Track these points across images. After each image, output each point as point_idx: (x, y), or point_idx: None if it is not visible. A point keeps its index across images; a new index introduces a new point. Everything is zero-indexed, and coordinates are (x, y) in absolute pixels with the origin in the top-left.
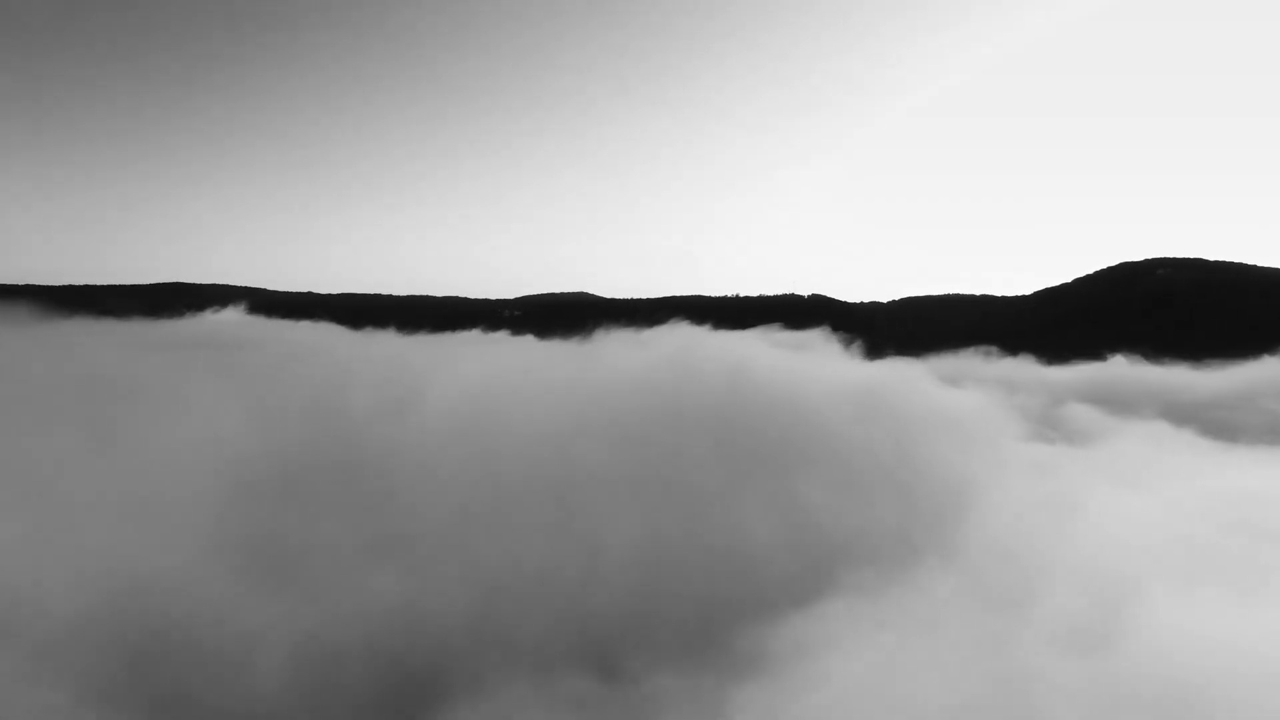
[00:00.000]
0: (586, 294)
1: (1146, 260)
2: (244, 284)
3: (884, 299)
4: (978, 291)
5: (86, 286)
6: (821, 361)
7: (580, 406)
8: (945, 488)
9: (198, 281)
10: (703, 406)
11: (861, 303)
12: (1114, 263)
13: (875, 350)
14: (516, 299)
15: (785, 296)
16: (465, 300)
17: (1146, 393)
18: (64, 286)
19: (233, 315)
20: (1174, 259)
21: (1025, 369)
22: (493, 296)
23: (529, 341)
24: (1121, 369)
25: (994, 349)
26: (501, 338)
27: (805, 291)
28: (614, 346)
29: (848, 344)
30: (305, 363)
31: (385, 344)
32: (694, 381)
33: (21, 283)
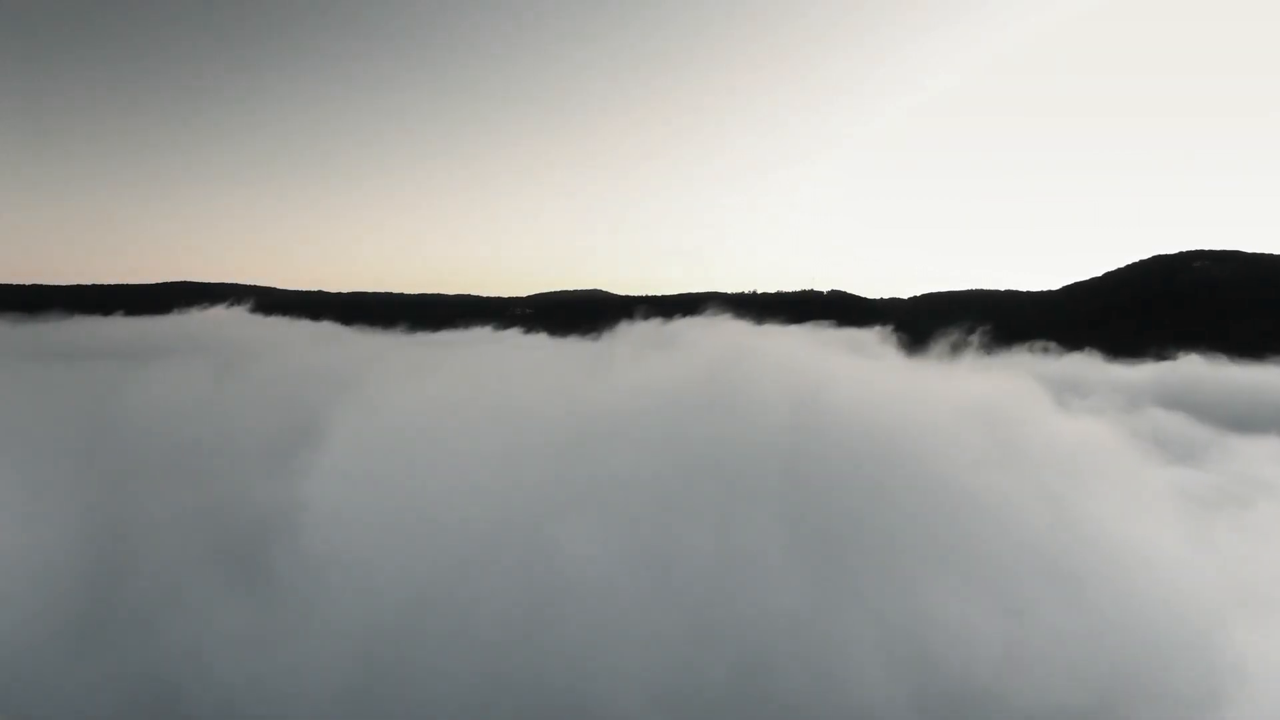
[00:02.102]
0: (600, 291)
1: (1182, 253)
2: (253, 282)
3: (903, 295)
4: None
5: (82, 286)
6: (903, 371)
7: (573, 447)
8: (1154, 582)
9: (207, 280)
10: (763, 452)
11: (881, 299)
12: (1145, 256)
13: (928, 350)
14: (529, 296)
15: (804, 293)
16: (476, 298)
17: (1228, 395)
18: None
19: (223, 313)
20: (1211, 251)
21: (1091, 367)
22: (506, 295)
23: (540, 340)
24: (1197, 368)
25: (1052, 344)
26: (513, 335)
27: (814, 288)
28: (633, 346)
29: (911, 345)
30: (231, 374)
31: (366, 344)
32: (745, 406)
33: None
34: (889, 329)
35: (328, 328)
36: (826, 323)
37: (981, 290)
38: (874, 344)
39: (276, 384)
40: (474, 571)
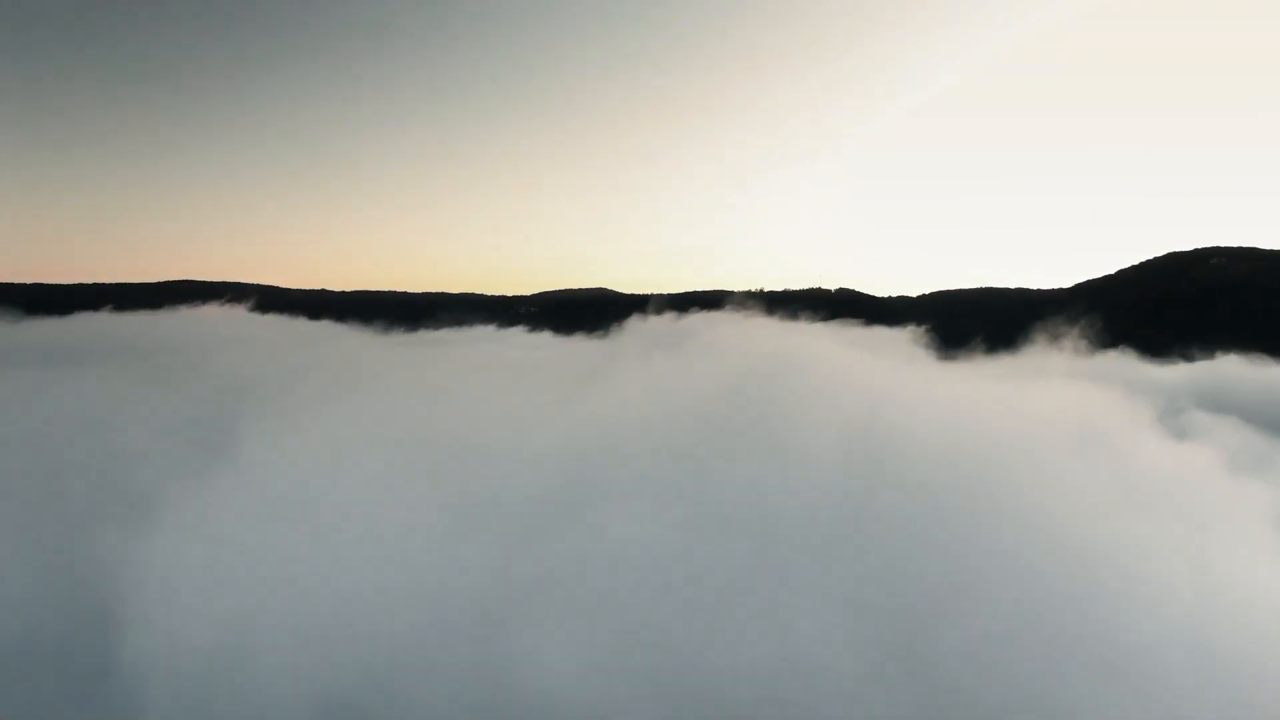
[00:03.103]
0: (606, 290)
1: (1197, 250)
2: (257, 281)
3: (911, 293)
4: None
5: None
6: (972, 382)
7: (551, 501)
8: None
9: (211, 279)
10: (813, 499)
11: (890, 297)
12: (1157, 254)
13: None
14: (534, 295)
15: (813, 291)
16: (480, 297)
17: (1274, 397)
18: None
19: (214, 311)
20: (1227, 248)
21: (1126, 367)
22: (510, 294)
23: (543, 338)
24: (1237, 368)
25: (1083, 342)
26: (516, 334)
27: (822, 286)
28: (644, 346)
29: (950, 346)
30: (152, 384)
31: (348, 345)
32: (787, 432)
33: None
34: (923, 329)
35: (324, 327)
36: (855, 321)
37: (994, 288)
38: (906, 344)
39: (196, 398)
40: (404, 685)
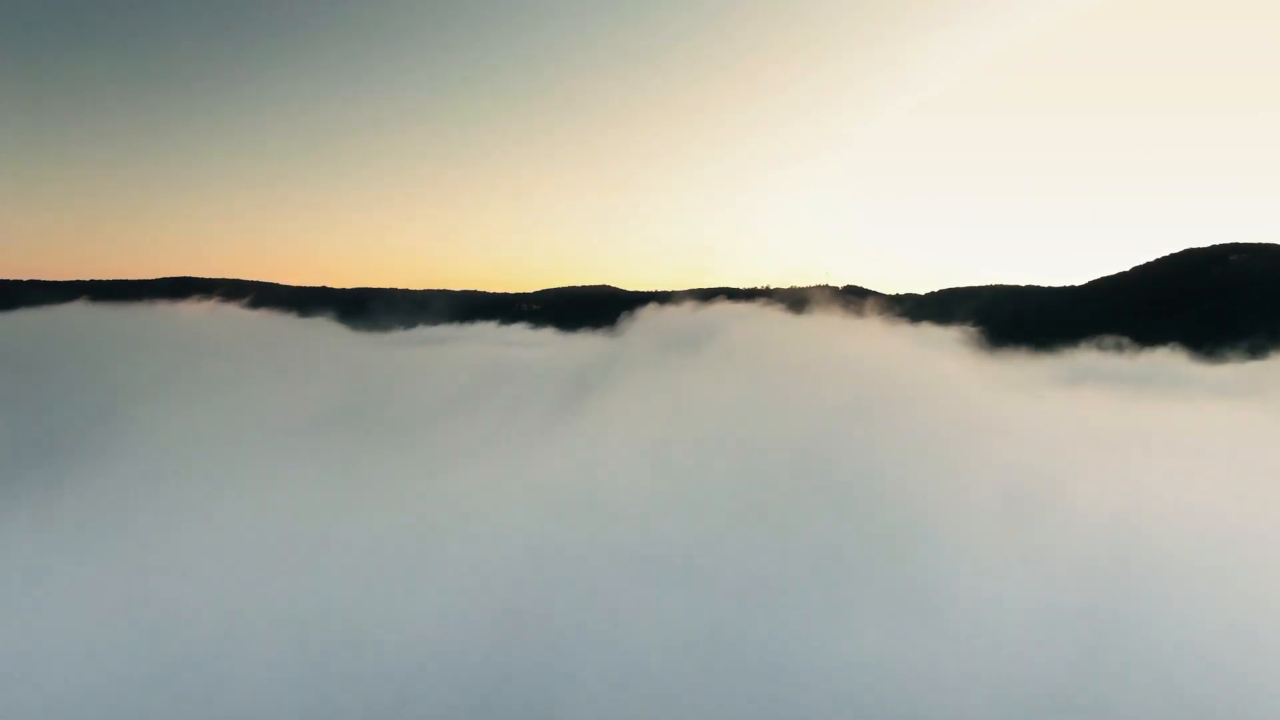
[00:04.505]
0: (609, 287)
1: (1215, 246)
2: (257, 279)
3: (921, 290)
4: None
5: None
6: (1093, 396)
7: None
8: None
9: (211, 277)
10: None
11: (898, 294)
12: (1171, 251)
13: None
14: (536, 293)
15: (819, 288)
16: (481, 294)
17: None
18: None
19: (195, 307)
20: (1246, 244)
21: (1176, 366)
22: (513, 291)
23: (545, 335)
24: None
25: (1125, 339)
26: (517, 331)
27: (823, 282)
28: (656, 345)
29: (994, 345)
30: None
31: (317, 342)
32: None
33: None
34: (976, 329)
35: (313, 324)
36: (901, 320)
37: (1005, 285)
38: (955, 344)
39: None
40: None
